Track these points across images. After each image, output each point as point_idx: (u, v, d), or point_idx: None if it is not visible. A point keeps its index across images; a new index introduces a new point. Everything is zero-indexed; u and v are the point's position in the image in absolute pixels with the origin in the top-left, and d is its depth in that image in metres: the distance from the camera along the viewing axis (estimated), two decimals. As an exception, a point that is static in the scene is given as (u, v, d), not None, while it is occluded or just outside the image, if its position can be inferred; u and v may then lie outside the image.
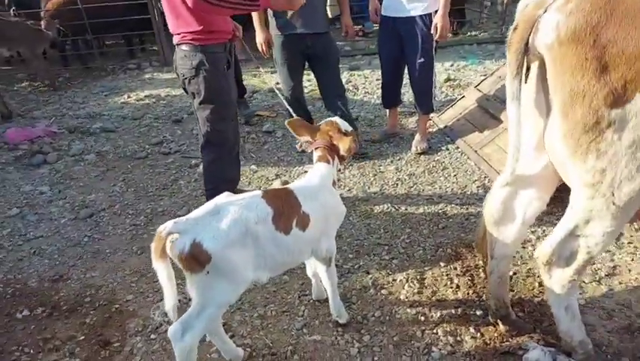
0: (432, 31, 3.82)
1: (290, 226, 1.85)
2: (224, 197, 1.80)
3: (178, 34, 2.80)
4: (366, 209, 3.45)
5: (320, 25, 4.06)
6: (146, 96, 6.67)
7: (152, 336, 2.34)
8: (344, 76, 6.94)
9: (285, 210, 1.85)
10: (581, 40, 1.43)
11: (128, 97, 6.69)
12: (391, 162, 4.19)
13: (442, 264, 2.74)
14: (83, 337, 2.37)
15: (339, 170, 4.03)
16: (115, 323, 2.46)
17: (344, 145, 2.13)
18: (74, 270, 2.95)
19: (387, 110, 4.73)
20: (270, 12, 4.16)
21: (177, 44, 2.84)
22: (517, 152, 1.71)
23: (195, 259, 1.62)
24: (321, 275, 2.20)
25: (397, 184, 3.80)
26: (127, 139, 5.12)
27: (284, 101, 2.96)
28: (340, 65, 7.55)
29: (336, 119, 2.28)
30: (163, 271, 1.61)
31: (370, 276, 2.68)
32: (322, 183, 2.08)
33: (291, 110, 2.73)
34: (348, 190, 3.77)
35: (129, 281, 2.79)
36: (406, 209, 3.42)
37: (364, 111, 5.55)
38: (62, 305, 2.63)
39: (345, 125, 2.24)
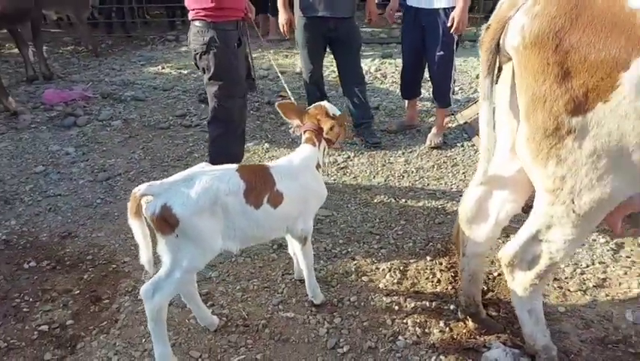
0: (449, 24, 3.76)
1: (261, 201, 1.93)
2: (202, 167, 1.90)
3: (192, 10, 2.90)
4: (366, 197, 3.49)
5: (344, 10, 4.05)
6: (178, 68, 6.85)
7: (140, 297, 2.47)
8: (375, 63, 6.91)
9: (258, 185, 1.93)
10: (544, 45, 1.41)
11: (162, 68, 6.90)
12: (402, 153, 4.18)
13: (428, 258, 2.76)
14: (78, 291, 2.55)
15: (344, 155, 4.08)
16: (109, 282, 2.63)
17: (327, 128, 2.17)
18: (83, 229, 3.15)
19: (406, 102, 4.70)
20: (294, -7, 4.20)
21: (191, 20, 2.94)
22: (488, 152, 1.71)
23: (165, 221, 1.73)
24: (297, 253, 2.27)
25: (403, 176, 3.80)
26: (154, 109, 5.32)
27: (282, 81, 3.02)
28: (373, 52, 7.61)
29: (325, 103, 2.32)
30: (137, 229, 1.74)
31: (355, 262, 2.74)
32: (304, 164, 2.13)
33: (287, 91, 2.79)
34: (354, 178, 3.80)
35: (129, 244, 2.95)
36: (406, 201, 3.43)
37: (387, 101, 5.52)
38: (66, 260, 2.82)
39: (333, 110, 2.29)
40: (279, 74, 3.07)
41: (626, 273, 2.57)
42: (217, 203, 1.79)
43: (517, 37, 1.49)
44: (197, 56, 2.95)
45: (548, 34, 1.41)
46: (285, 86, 3.02)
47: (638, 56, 1.30)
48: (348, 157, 4.13)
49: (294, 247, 2.33)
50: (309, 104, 2.50)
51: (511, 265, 1.80)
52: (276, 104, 2.29)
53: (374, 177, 3.81)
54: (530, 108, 1.50)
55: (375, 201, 3.45)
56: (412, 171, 3.87)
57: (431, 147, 4.24)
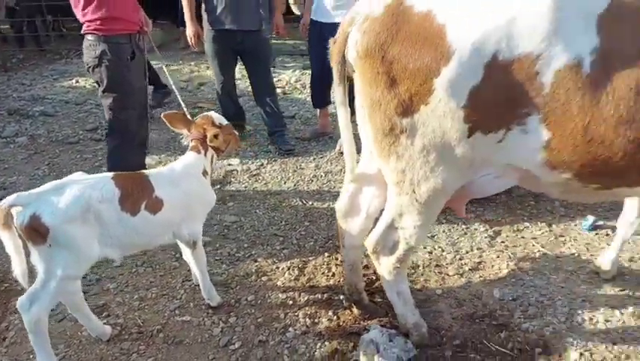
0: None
1: (138, 208, 1.98)
2: (77, 176, 1.94)
3: (84, 23, 2.91)
4: (275, 202, 3.61)
5: (250, 23, 4.18)
6: (93, 82, 6.67)
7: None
8: (295, 74, 7.10)
9: (135, 192, 1.98)
10: (373, 57, 1.61)
11: (77, 82, 6.71)
12: (313, 159, 4.35)
13: (326, 254, 2.91)
14: (-34, 313, 2.47)
15: (257, 163, 4.18)
16: (0, 301, 2.55)
17: (210, 136, 2.27)
18: (-25, 250, 3.02)
19: (318, 110, 4.89)
20: (202, 6, 4.28)
21: (84, 34, 2.94)
22: (350, 153, 1.88)
23: (35, 231, 1.76)
24: (188, 259, 2.34)
25: (312, 180, 3.97)
26: (63, 124, 5.18)
27: (175, 92, 3.09)
28: (294, 64, 7.79)
29: (212, 113, 2.42)
30: (8, 241, 1.75)
31: (257, 264, 2.84)
32: (186, 171, 2.22)
33: (180, 100, 2.87)
34: (265, 184, 3.92)
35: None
36: (313, 204, 3.59)
37: (303, 110, 5.70)
38: (-45, 283, 2.71)
39: (220, 119, 2.39)
40: (172, 86, 3.13)
41: (498, 256, 2.85)
42: (89, 210, 1.83)
43: (353, 50, 1.69)
44: (90, 70, 2.97)
45: (375, 47, 1.60)
46: (180, 97, 3.06)
47: (446, 64, 1.52)
48: (262, 164, 4.25)
49: (185, 253, 2.40)
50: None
51: (375, 252, 1.98)
52: (162, 114, 2.36)
53: (285, 182, 3.95)
54: (371, 112, 1.69)
55: (284, 205, 3.58)
56: (321, 175, 4.05)
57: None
